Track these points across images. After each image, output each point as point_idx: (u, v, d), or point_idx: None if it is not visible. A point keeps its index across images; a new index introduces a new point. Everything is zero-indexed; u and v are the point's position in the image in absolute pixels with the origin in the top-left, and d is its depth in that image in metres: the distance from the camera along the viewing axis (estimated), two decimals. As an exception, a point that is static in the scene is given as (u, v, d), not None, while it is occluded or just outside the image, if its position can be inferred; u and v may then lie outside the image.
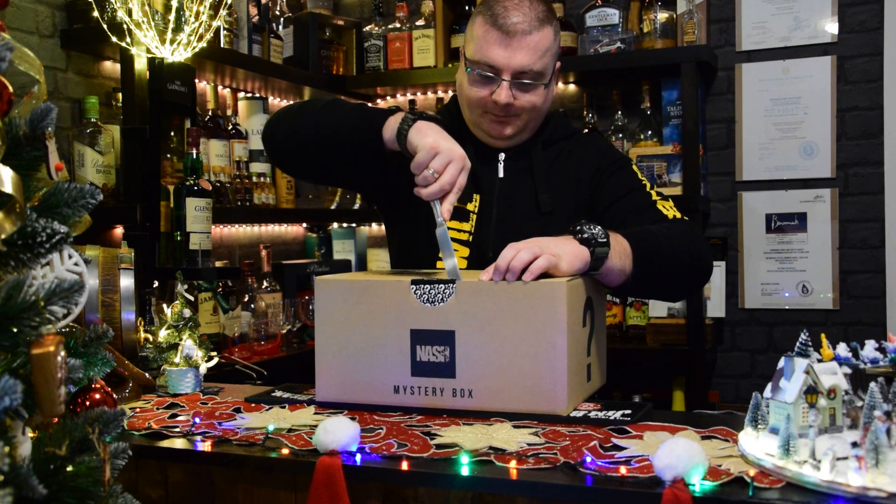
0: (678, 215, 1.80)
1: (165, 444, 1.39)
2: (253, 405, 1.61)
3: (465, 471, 1.18)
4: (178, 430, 1.45)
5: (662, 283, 1.72)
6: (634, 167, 1.90)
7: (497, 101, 1.75)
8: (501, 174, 1.85)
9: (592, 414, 1.45)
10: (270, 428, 1.38)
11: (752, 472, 1.08)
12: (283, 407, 1.56)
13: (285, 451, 1.31)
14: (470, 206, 1.82)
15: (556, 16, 1.83)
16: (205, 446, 1.36)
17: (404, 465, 1.22)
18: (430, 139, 1.57)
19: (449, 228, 1.68)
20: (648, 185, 1.85)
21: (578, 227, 1.54)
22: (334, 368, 1.56)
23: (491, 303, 1.46)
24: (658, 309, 3.06)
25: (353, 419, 1.35)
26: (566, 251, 1.50)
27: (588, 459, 1.17)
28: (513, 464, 1.19)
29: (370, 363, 1.53)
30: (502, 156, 1.86)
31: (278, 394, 1.69)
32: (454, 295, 1.48)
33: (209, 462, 1.37)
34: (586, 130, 3.13)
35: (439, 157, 1.55)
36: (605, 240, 1.54)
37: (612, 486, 1.11)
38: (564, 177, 1.86)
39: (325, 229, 3.65)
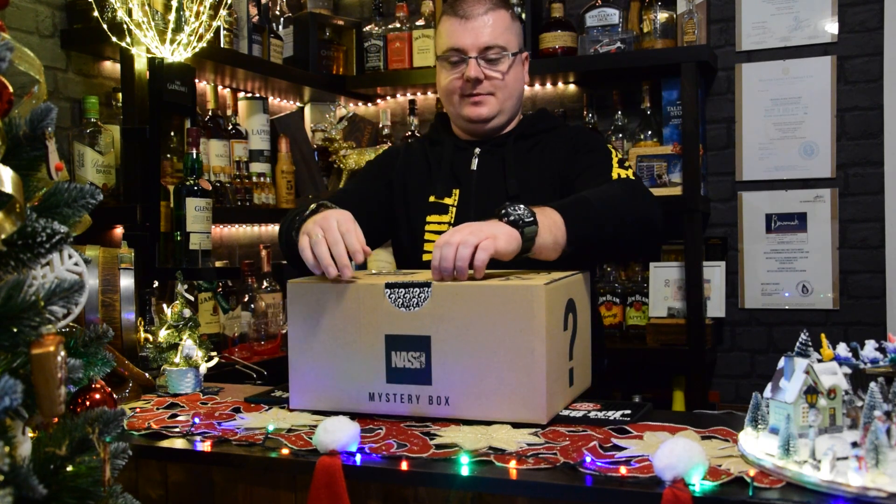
0: (623, 175, 1.82)
1: (165, 444, 1.39)
2: (253, 405, 1.61)
3: (465, 471, 1.18)
4: (177, 430, 1.45)
5: (604, 248, 1.72)
6: (609, 146, 1.96)
7: (468, 78, 1.90)
8: (475, 167, 1.96)
9: (592, 414, 1.44)
10: (270, 428, 1.38)
11: (752, 472, 1.08)
12: (283, 407, 1.56)
13: (285, 451, 1.31)
14: (448, 201, 1.95)
15: (512, 6, 2.03)
16: (205, 446, 1.36)
17: (404, 465, 1.22)
18: (302, 241, 1.57)
19: (429, 222, 1.92)
20: (615, 154, 1.91)
21: (504, 211, 1.53)
22: (307, 375, 1.52)
23: (467, 307, 1.40)
24: (658, 309, 3.07)
25: (353, 419, 1.35)
26: (500, 231, 1.48)
27: (588, 459, 1.17)
28: (513, 464, 1.19)
29: (344, 370, 1.48)
30: (478, 150, 1.98)
31: (278, 394, 1.69)
32: (429, 299, 1.43)
33: (209, 462, 1.37)
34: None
35: (316, 245, 1.53)
36: (531, 219, 1.52)
37: (612, 486, 1.11)
38: (538, 165, 1.94)
39: (325, 229, 3.64)
